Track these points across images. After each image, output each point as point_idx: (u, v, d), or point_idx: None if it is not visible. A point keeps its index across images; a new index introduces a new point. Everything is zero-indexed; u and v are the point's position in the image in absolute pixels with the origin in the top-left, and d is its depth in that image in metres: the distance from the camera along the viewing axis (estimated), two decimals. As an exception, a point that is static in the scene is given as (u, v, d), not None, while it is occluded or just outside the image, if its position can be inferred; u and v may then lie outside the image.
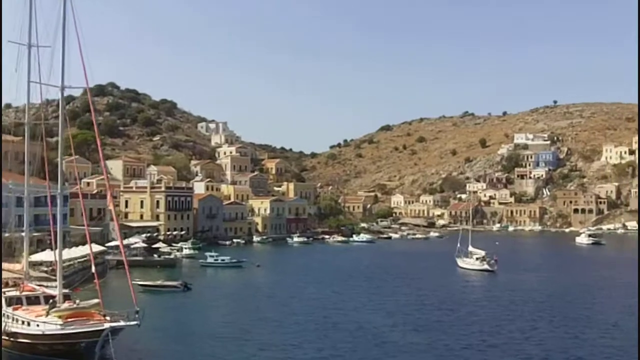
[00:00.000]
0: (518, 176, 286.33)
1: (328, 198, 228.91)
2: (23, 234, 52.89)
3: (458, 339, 51.69)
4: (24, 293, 46.12)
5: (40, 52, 47.00)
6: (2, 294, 43.12)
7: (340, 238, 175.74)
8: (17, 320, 42.15)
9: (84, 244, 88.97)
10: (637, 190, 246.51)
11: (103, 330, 38.65)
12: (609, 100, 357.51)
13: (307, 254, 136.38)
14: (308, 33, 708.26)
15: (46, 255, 70.38)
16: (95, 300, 42.70)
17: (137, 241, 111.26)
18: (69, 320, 40.23)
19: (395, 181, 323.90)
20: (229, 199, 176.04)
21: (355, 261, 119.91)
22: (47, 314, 41.33)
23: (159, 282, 75.48)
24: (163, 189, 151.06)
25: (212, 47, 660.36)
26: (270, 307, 66.54)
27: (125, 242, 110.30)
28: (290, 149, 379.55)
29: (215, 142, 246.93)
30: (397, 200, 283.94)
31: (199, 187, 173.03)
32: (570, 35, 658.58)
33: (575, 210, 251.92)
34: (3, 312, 42.16)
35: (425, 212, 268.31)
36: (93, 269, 44.03)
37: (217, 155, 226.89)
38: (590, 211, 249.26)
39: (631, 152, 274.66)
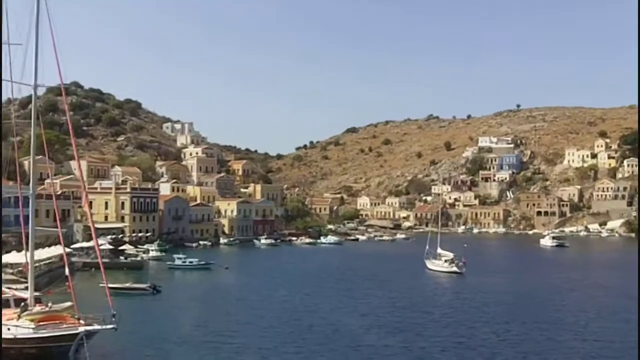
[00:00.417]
0: (482, 179, 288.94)
1: (295, 200, 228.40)
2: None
3: (434, 342, 51.56)
4: (-7, 296, 44.79)
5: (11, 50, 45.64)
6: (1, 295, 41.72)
7: (307, 240, 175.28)
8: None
9: (49, 245, 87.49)
10: (597, 193, 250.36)
11: (77, 334, 37.66)
12: (571, 105, 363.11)
13: (275, 256, 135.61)
14: (275, 35, 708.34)
15: (13, 257, 68.63)
16: (68, 303, 41.63)
17: (103, 243, 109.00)
18: (42, 323, 39.15)
19: (361, 183, 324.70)
20: (195, 200, 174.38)
21: (325, 263, 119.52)
22: (19, 317, 40.16)
23: (127, 285, 74.06)
24: (128, 190, 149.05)
25: (178, 47, 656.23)
26: (243, 310, 65.74)
27: (91, 243, 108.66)
28: (256, 151, 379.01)
29: (181, 143, 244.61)
30: (363, 202, 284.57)
31: (165, 188, 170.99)
32: (532, 42, 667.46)
33: (539, 213, 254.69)
34: None
35: (391, 214, 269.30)
36: (67, 271, 42.99)
37: (182, 156, 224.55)
38: (553, 214, 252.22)
39: (593, 156, 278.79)
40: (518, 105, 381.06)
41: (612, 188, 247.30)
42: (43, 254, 77.95)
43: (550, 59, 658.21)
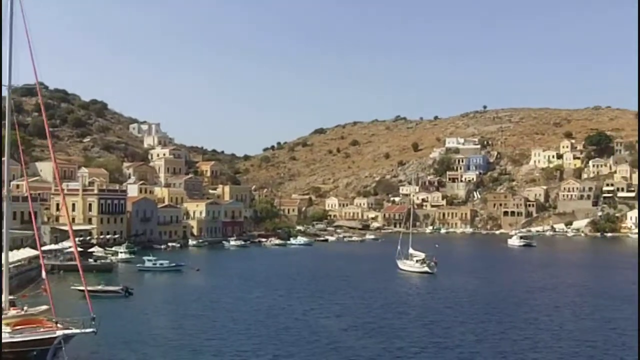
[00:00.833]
0: (450, 179, 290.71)
1: (264, 201, 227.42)
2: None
3: (412, 342, 51.50)
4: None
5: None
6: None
7: (277, 241, 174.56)
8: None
9: (17, 248, 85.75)
10: (562, 193, 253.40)
11: (55, 338, 36.83)
12: (537, 106, 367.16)
13: (245, 257, 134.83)
14: (243, 36, 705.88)
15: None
16: (44, 307, 40.77)
17: (71, 245, 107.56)
18: (18, 327, 38.22)
19: (329, 184, 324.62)
20: (163, 201, 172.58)
21: (296, 264, 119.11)
22: (-5, 321, 39.18)
23: (99, 287, 72.80)
24: (96, 191, 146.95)
25: (144, 47, 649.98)
26: (218, 312, 65.04)
27: (59, 246, 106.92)
28: (222, 152, 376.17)
29: (148, 144, 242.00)
30: (331, 203, 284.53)
31: (132, 190, 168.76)
32: (498, 43, 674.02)
33: (505, 213, 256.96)
34: None
35: (360, 215, 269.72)
36: (43, 274, 41.93)
37: (150, 157, 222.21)
38: (520, 214, 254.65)
39: (559, 157, 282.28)
40: (484, 107, 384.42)
41: (577, 188, 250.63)
42: (11, 256, 76.36)
43: (515, 61, 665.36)
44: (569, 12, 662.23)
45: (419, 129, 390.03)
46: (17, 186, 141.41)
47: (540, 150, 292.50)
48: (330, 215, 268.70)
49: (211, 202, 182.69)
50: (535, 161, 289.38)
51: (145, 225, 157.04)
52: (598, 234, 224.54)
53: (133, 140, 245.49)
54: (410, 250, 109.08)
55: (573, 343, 51.68)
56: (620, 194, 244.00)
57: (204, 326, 57.14)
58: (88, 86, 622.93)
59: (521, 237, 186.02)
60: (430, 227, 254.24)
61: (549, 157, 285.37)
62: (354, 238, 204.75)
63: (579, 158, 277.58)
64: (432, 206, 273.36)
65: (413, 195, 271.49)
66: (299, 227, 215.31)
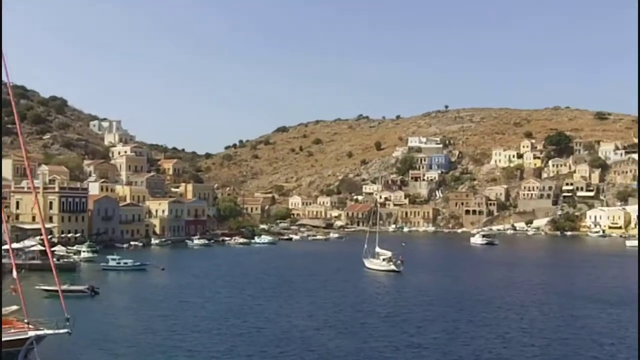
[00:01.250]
0: (412, 178, 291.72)
1: (227, 199, 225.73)
2: None
3: (385, 342, 51.37)
4: None
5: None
6: None
7: (241, 240, 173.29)
8: None
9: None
10: (523, 192, 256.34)
11: (27, 338, 35.78)
12: (497, 106, 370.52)
13: (210, 256, 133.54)
14: (205, 33, 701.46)
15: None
16: (14, 307, 39.57)
17: (33, 244, 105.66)
18: (-13, 329, 37.07)
19: (292, 182, 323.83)
20: (125, 200, 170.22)
21: (262, 263, 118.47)
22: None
23: (65, 287, 71.13)
24: (57, 189, 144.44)
25: (103, 43, 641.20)
26: (187, 312, 64.15)
27: (21, 244, 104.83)
28: (183, 149, 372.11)
29: (109, 142, 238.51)
30: (294, 201, 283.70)
31: (93, 188, 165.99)
32: (459, 44, 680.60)
33: (467, 212, 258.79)
34: None
35: (323, 214, 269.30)
36: (14, 273, 40.66)
37: (111, 155, 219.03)
38: (481, 212, 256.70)
39: (519, 156, 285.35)
40: (446, 106, 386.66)
41: (537, 187, 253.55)
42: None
43: (476, 61, 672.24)
44: (528, 15, 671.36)
45: (381, 128, 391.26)
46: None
47: (501, 149, 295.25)
48: (293, 214, 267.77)
49: (174, 201, 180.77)
50: (496, 160, 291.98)
51: (106, 224, 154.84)
52: (558, 233, 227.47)
53: (93, 138, 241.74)
54: (377, 249, 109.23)
55: (544, 341, 52.06)
56: (579, 194, 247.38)
57: (175, 326, 56.32)
58: (47, 82, 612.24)
59: (484, 236, 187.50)
60: (393, 226, 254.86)
61: (509, 156, 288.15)
62: (318, 237, 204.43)
63: (539, 158, 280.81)
64: (395, 205, 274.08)
65: (376, 194, 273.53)
66: (262, 226, 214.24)
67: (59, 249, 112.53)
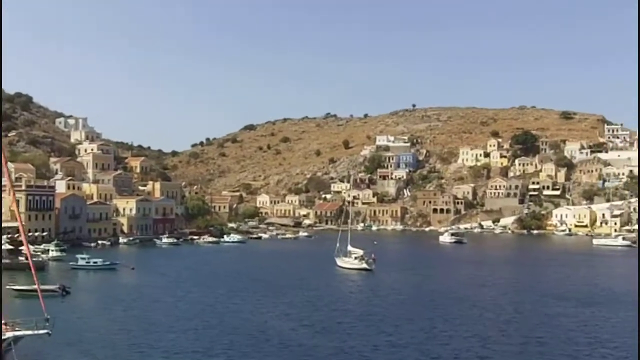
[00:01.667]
0: (380, 177, 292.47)
1: (195, 198, 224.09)
2: None
3: (364, 341, 51.21)
4: None
5: None
6: None
7: (210, 239, 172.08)
8: None
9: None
10: (490, 191, 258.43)
11: (5, 339, 34.90)
12: (464, 105, 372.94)
13: (179, 255, 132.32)
14: (171, 30, 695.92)
15: None
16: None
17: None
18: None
19: (260, 181, 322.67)
20: (92, 198, 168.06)
21: (233, 262, 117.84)
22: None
23: (35, 286, 69.90)
24: (23, 187, 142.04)
25: (69, 39, 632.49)
26: (160, 311, 63.36)
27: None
28: (149, 147, 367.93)
29: (75, 139, 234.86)
30: (262, 200, 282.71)
31: (60, 186, 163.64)
32: (425, 43, 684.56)
33: (435, 210, 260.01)
34: None
35: (292, 212, 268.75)
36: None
37: (77, 152, 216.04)
38: (449, 211, 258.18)
39: (486, 155, 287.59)
40: (414, 105, 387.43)
41: (504, 186, 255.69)
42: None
43: (443, 61, 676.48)
44: (494, 15, 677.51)
45: (349, 126, 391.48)
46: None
47: (468, 148, 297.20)
48: (261, 213, 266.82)
49: (141, 199, 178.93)
50: (463, 159, 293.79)
51: (74, 223, 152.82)
52: (524, 231, 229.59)
53: (60, 135, 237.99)
54: (349, 248, 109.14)
55: (522, 340, 52.30)
56: (545, 192, 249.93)
57: (150, 326, 55.56)
58: (12, 79, 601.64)
59: (452, 234, 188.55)
60: (362, 224, 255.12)
61: (476, 155, 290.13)
62: (287, 235, 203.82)
63: (505, 156, 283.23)
64: (364, 203, 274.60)
65: (345, 193, 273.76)
66: (231, 225, 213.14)
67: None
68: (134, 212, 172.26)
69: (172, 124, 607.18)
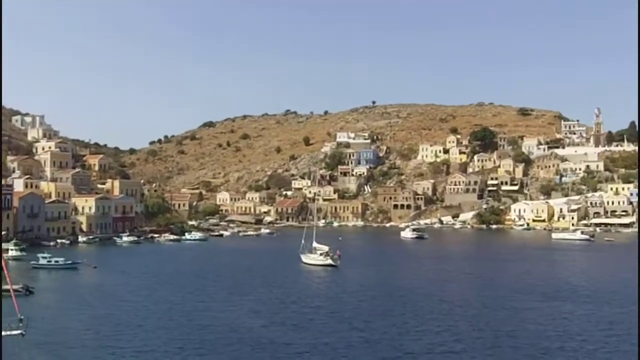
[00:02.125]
0: (341, 173, 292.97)
1: (155, 196, 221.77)
2: None
3: (336, 337, 51.12)
4: None
5: None
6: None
7: (171, 237, 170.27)
8: None
9: None
10: (449, 187, 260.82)
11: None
12: (423, 102, 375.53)
13: (140, 254, 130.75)
14: (128, 24, 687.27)
15: None
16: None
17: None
18: None
19: (220, 178, 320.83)
20: (50, 197, 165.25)
21: (196, 260, 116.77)
22: None
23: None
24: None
25: (23, 33, 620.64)
26: (128, 311, 62.37)
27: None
28: (106, 145, 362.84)
29: (32, 137, 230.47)
30: (222, 197, 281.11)
31: (17, 185, 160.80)
32: (385, 41, 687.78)
33: (395, 206, 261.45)
34: None
35: (252, 209, 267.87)
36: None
37: (34, 150, 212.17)
38: (409, 207, 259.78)
39: (445, 151, 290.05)
40: (373, 102, 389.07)
41: (463, 182, 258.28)
42: None
43: (402, 59, 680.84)
44: (453, 15, 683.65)
45: (309, 123, 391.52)
46: None
47: (428, 145, 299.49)
48: (222, 210, 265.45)
49: (101, 197, 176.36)
50: (422, 156, 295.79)
51: (32, 222, 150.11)
52: (483, 226, 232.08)
53: (16, 133, 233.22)
54: (315, 244, 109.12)
55: (493, 333, 52.74)
56: (504, 188, 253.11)
57: (118, 326, 54.71)
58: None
59: (414, 230, 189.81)
60: (323, 221, 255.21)
61: (436, 151, 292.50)
62: (249, 232, 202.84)
63: (464, 153, 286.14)
64: (325, 200, 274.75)
65: (306, 189, 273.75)
66: (191, 222, 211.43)
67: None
68: (93, 210, 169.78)
69: (129, 122, 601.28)
